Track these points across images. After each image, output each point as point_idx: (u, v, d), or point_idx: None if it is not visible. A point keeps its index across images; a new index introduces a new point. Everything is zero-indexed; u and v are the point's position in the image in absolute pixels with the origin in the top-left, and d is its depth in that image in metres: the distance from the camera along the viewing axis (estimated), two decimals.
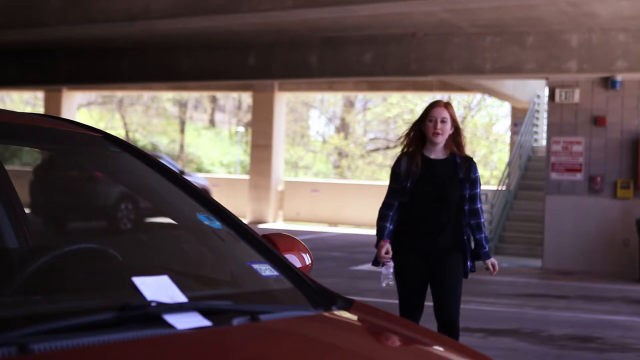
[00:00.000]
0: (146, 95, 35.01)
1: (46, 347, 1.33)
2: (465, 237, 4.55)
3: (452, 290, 4.44)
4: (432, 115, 4.49)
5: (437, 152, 4.56)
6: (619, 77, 12.26)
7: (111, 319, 1.47)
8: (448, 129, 4.50)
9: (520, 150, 16.21)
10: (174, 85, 19.67)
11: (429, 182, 4.48)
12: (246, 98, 35.46)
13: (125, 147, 2.32)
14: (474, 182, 4.54)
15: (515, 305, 8.78)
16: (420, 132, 4.57)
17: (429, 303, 4.56)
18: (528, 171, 15.96)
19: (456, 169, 4.51)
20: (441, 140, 4.50)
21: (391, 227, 4.53)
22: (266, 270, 2.04)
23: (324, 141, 38.64)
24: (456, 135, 4.55)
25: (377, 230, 4.57)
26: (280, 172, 19.77)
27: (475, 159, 4.70)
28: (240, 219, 2.25)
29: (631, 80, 12.34)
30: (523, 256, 13.75)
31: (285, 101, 20.51)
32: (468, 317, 7.04)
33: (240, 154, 36.62)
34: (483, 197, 16.59)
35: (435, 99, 4.72)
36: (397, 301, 4.62)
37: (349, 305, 1.96)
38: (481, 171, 36.01)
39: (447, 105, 4.55)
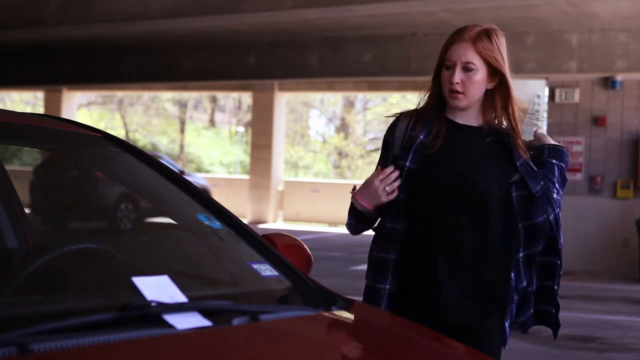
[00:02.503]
0: (146, 95, 35.01)
1: (46, 347, 1.33)
2: (511, 283, 2.43)
3: None
4: (449, 56, 2.42)
5: (468, 117, 2.47)
6: (619, 77, 12.26)
7: (111, 319, 1.47)
8: (478, 84, 2.40)
9: None
10: (174, 85, 19.67)
11: (448, 166, 2.41)
12: (246, 98, 35.45)
13: (125, 147, 2.32)
14: (546, 171, 2.41)
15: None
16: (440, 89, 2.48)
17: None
18: None
19: (505, 148, 2.43)
20: (464, 103, 2.42)
21: (392, 288, 2.44)
22: (266, 270, 2.04)
23: (324, 141, 38.64)
24: (501, 92, 2.44)
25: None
26: (280, 172, 19.77)
27: None
28: (240, 219, 2.25)
29: (631, 80, 12.34)
30: None
31: (285, 101, 20.51)
32: None
33: (240, 154, 36.62)
34: None
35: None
36: None
37: (349, 305, 1.96)
38: None
39: (478, 40, 2.39)
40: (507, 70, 2.43)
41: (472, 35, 2.40)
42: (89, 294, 1.83)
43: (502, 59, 2.42)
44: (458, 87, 2.38)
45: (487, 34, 2.41)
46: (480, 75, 2.39)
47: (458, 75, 2.38)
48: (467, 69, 2.38)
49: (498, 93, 2.44)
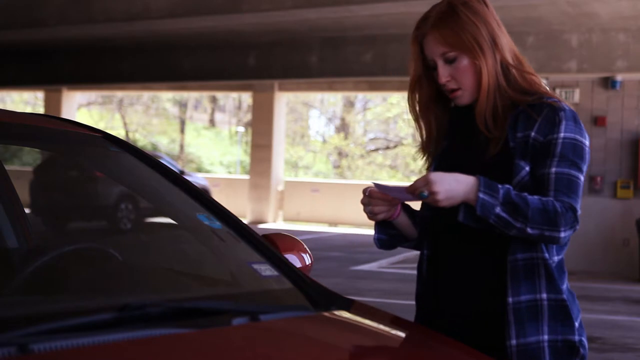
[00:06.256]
0: (146, 95, 35.01)
1: (46, 347, 1.33)
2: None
3: None
4: (427, 55, 2.03)
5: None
6: (619, 77, 12.26)
7: (111, 319, 1.47)
8: (469, 71, 1.98)
9: None
10: (174, 85, 19.68)
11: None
12: (246, 98, 35.47)
13: (125, 147, 2.32)
14: (538, 151, 1.91)
15: None
16: None
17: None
18: None
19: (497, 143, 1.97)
20: (467, 98, 2.01)
21: None
22: (266, 270, 2.04)
23: (324, 141, 38.64)
24: (504, 70, 2.00)
25: None
26: (280, 172, 19.77)
27: None
28: (240, 219, 2.25)
29: (631, 80, 12.34)
30: None
31: (285, 101, 20.50)
32: None
33: (240, 154, 36.63)
34: None
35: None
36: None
37: (348, 305, 1.96)
38: None
39: (440, 24, 1.98)
40: (486, 42, 1.97)
41: (433, 23, 2.00)
42: (89, 294, 1.83)
43: (479, 29, 1.97)
44: (450, 84, 2.01)
45: (451, 10, 1.99)
46: (465, 60, 1.98)
47: (443, 72, 2.00)
48: (448, 60, 2.00)
49: (503, 75, 2.02)
